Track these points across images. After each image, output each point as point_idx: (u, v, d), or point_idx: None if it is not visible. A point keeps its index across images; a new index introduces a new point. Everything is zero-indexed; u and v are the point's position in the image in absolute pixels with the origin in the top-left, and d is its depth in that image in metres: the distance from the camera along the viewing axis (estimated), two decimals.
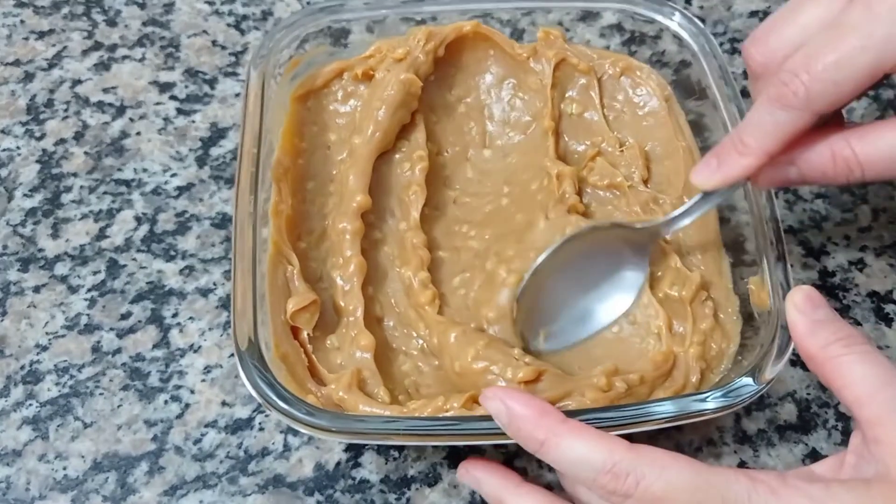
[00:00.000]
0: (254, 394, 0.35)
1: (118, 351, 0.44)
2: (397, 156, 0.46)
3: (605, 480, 0.30)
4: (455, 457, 0.41)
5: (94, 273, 0.46)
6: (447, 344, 0.39)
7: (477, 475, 0.37)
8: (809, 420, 0.43)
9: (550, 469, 0.41)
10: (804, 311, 0.33)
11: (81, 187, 0.49)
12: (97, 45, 0.55)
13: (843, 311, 0.46)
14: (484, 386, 0.37)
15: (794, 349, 0.35)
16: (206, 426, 0.42)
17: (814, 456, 0.42)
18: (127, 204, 0.49)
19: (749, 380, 0.36)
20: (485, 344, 0.38)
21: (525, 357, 0.38)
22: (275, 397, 0.35)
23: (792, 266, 0.39)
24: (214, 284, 0.46)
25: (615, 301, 0.41)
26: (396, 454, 0.41)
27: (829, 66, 0.33)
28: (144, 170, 0.50)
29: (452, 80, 0.47)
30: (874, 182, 0.39)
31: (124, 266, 0.47)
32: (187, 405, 0.42)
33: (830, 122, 0.36)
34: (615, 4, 0.47)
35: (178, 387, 0.43)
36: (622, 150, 0.47)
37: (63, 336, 0.44)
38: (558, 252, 0.40)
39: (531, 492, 0.35)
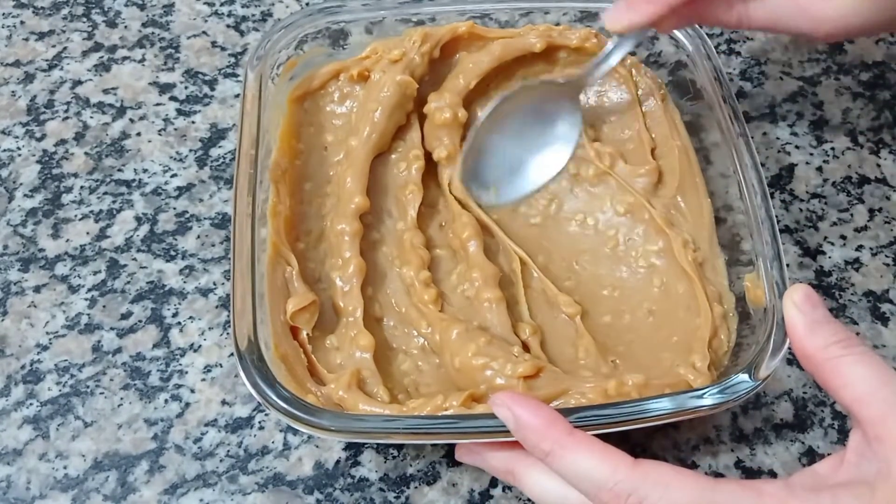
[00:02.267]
0: (254, 393, 0.35)
1: (118, 350, 0.44)
2: (393, 156, 0.46)
3: (607, 498, 0.30)
4: (454, 455, 0.41)
5: (95, 273, 0.46)
6: (448, 340, 0.39)
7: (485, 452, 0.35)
8: (806, 419, 0.43)
9: None
10: (803, 310, 0.33)
11: (82, 188, 0.50)
12: (97, 46, 0.56)
13: (840, 311, 0.46)
14: (483, 383, 0.38)
15: (789, 347, 0.35)
16: (207, 425, 0.42)
17: (810, 454, 0.42)
18: (127, 204, 0.49)
19: (745, 376, 0.36)
20: (486, 341, 0.39)
21: (524, 354, 0.39)
22: (275, 397, 0.35)
23: (788, 266, 0.39)
24: (214, 284, 0.46)
25: (555, 153, 0.44)
26: (396, 453, 0.41)
27: None
28: (145, 170, 0.50)
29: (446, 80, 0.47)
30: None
31: (125, 266, 0.47)
32: (187, 404, 0.43)
33: None
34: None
35: (179, 386, 0.43)
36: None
37: (63, 336, 0.44)
38: (496, 114, 0.43)
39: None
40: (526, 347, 0.40)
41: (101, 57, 0.55)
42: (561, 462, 0.32)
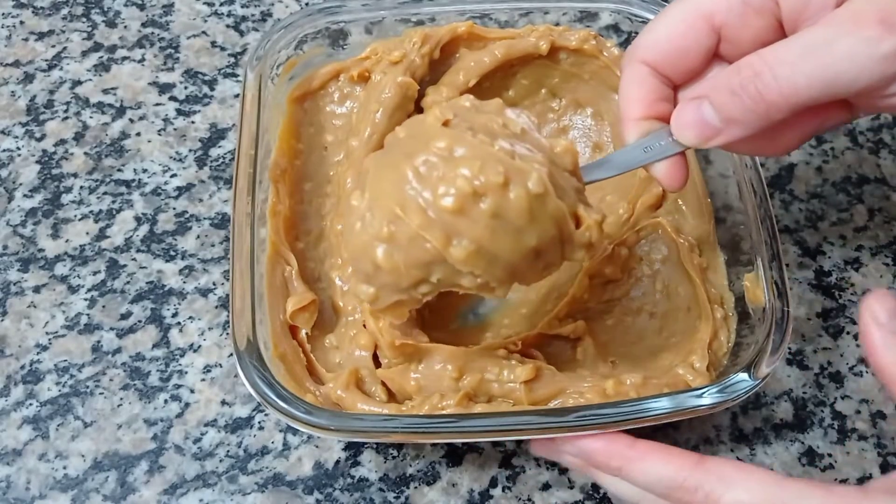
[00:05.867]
0: (253, 393, 0.35)
1: (118, 350, 0.44)
2: None
3: (678, 496, 0.31)
4: (453, 455, 0.41)
5: (94, 273, 0.46)
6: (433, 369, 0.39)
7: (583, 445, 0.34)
8: (805, 419, 0.43)
9: (548, 468, 0.41)
10: (881, 320, 0.32)
11: (81, 188, 0.50)
12: (97, 46, 0.56)
13: (839, 311, 0.46)
14: (483, 393, 0.38)
15: (789, 346, 0.35)
16: (206, 425, 0.42)
17: (810, 454, 0.42)
18: (127, 204, 0.49)
19: (745, 375, 0.36)
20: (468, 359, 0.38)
21: (512, 356, 0.38)
22: (274, 396, 0.35)
23: (788, 266, 0.39)
24: (214, 284, 0.46)
25: None
26: (395, 453, 0.41)
27: None
28: (144, 170, 0.50)
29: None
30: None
31: (124, 266, 0.47)
32: (187, 404, 0.43)
33: None
34: (611, 5, 0.48)
35: (178, 386, 0.43)
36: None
37: (63, 336, 0.44)
38: None
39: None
40: (515, 346, 0.40)
41: (101, 57, 0.55)
42: (631, 474, 0.33)
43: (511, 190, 0.29)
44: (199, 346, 0.44)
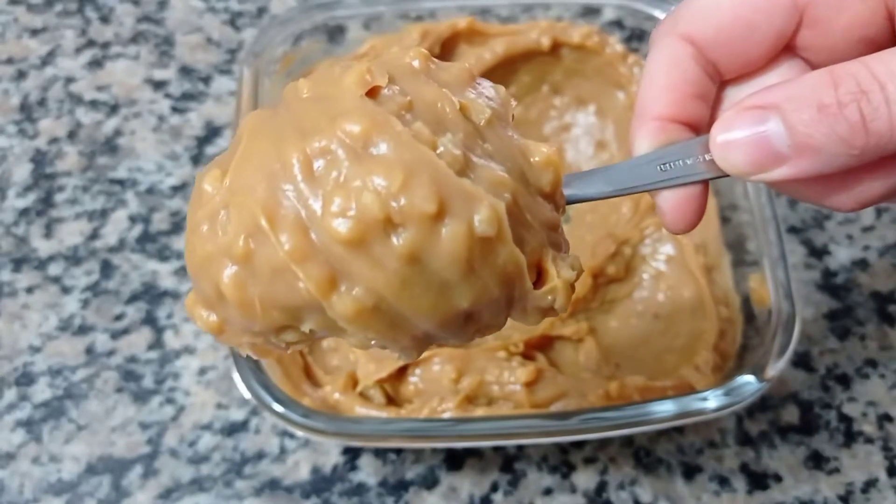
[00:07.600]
0: (249, 396, 0.35)
1: (112, 352, 0.43)
2: None
3: None
4: (453, 460, 0.40)
5: (88, 273, 0.46)
6: (429, 364, 0.38)
7: None
8: (811, 421, 0.42)
9: (550, 472, 0.40)
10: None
11: (75, 187, 0.49)
12: (91, 43, 0.55)
13: (846, 312, 0.46)
14: (483, 395, 0.37)
15: (795, 348, 0.34)
16: (201, 429, 0.41)
17: (816, 458, 0.41)
18: (121, 203, 0.48)
19: (751, 378, 0.35)
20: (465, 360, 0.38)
21: (513, 359, 0.38)
22: (270, 399, 0.35)
23: (794, 266, 0.38)
24: None
25: None
26: (394, 457, 0.41)
27: None
28: (139, 169, 0.50)
29: None
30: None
31: (118, 266, 0.46)
32: (182, 407, 0.42)
33: None
34: (615, 0, 0.47)
35: (173, 389, 0.42)
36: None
37: (56, 337, 0.44)
38: None
39: None
40: (516, 347, 0.39)
41: (95, 54, 0.54)
42: None
43: (446, 224, 0.19)
44: (195, 348, 0.43)
